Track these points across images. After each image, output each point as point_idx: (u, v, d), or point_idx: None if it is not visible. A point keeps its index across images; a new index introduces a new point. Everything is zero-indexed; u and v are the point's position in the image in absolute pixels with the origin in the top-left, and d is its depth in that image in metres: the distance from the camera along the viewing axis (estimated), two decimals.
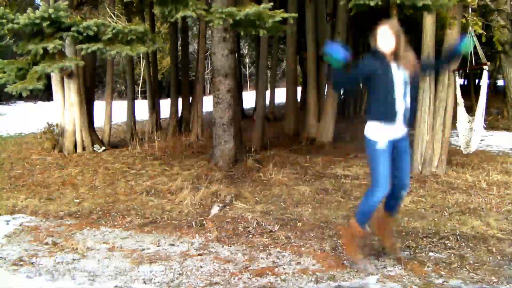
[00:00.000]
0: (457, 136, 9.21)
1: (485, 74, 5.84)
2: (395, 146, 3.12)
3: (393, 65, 3.06)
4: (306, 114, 9.71)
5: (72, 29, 5.41)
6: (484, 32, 6.23)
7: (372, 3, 4.50)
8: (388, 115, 3.06)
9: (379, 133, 3.08)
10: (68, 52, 7.34)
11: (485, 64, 5.88)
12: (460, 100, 5.95)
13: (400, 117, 3.06)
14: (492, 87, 17.36)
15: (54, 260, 3.53)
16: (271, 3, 5.18)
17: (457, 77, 6.07)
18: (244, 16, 4.95)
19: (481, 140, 7.40)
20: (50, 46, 5.37)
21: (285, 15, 5.23)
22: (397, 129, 3.10)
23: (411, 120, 3.16)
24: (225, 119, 6.73)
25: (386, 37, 3.03)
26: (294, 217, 4.52)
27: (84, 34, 5.48)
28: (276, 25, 5.24)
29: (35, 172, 6.68)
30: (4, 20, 5.30)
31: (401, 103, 3.05)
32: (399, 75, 3.06)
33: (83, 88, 8.21)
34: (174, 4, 5.02)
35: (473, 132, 5.95)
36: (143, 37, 5.75)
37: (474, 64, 5.97)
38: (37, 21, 5.26)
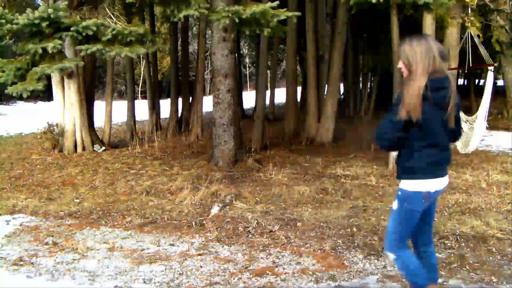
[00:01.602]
0: None
1: (490, 75, 5.82)
2: None
3: None
4: (306, 114, 9.71)
5: (72, 29, 5.40)
6: (480, 34, 6.24)
7: (373, 0, 4.48)
8: None
9: None
10: (68, 53, 7.33)
11: (492, 65, 5.88)
12: None
13: None
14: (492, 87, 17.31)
15: (54, 260, 3.53)
16: (277, 2, 5.17)
17: (491, 76, 6.03)
18: (250, 14, 4.94)
19: (481, 140, 7.40)
20: (50, 45, 5.37)
21: (289, 13, 5.23)
22: None
23: None
24: (225, 119, 6.74)
25: None
26: (294, 217, 4.52)
27: (84, 34, 5.46)
28: (279, 24, 5.24)
29: (35, 172, 6.67)
30: (3, 21, 5.29)
31: None
32: None
33: (83, 88, 8.20)
34: (176, 3, 5.02)
35: (474, 132, 5.92)
36: (143, 38, 5.74)
37: (477, 64, 5.97)
38: (37, 21, 5.25)
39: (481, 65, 6.03)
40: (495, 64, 6.04)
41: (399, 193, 2.44)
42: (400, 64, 2.41)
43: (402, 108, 2.26)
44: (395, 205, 2.45)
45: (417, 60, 2.29)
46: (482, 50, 5.82)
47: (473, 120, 5.95)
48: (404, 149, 2.41)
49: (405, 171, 2.41)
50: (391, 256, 2.51)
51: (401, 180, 2.43)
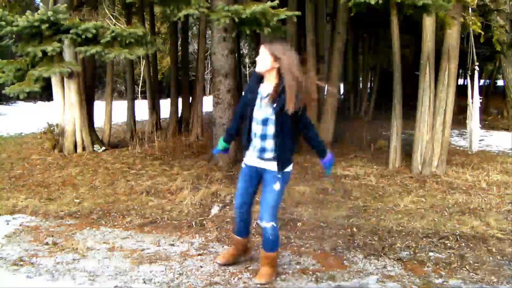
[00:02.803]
0: (457, 136, 9.22)
1: (475, 75, 5.89)
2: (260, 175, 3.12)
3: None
4: None
5: (71, 31, 5.39)
6: (482, 32, 6.25)
7: (372, 2, 4.47)
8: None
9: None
10: (68, 54, 7.33)
11: (474, 66, 5.96)
12: (470, 100, 6.02)
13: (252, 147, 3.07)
14: (492, 87, 17.34)
15: (54, 260, 3.53)
16: (277, 1, 5.17)
17: (476, 76, 6.10)
18: (249, 14, 4.93)
19: (480, 140, 7.42)
20: (49, 48, 5.36)
21: (289, 13, 5.23)
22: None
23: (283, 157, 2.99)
24: (225, 119, 6.73)
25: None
26: (294, 217, 4.52)
27: (83, 37, 5.46)
28: (279, 24, 5.25)
29: (35, 172, 6.67)
30: (3, 23, 5.29)
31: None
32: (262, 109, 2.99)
33: (83, 88, 8.20)
34: (176, 3, 5.01)
35: (472, 132, 5.98)
36: (142, 40, 5.73)
37: (472, 63, 6.03)
38: (36, 23, 5.24)
39: (472, 66, 6.10)
40: (477, 63, 6.11)
41: (286, 176, 3.03)
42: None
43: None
44: (278, 186, 2.96)
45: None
46: (473, 50, 5.89)
47: (470, 120, 6.03)
48: (290, 139, 2.96)
49: (291, 158, 3.06)
50: (272, 224, 2.95)
51: (289, 166, 3.05)
